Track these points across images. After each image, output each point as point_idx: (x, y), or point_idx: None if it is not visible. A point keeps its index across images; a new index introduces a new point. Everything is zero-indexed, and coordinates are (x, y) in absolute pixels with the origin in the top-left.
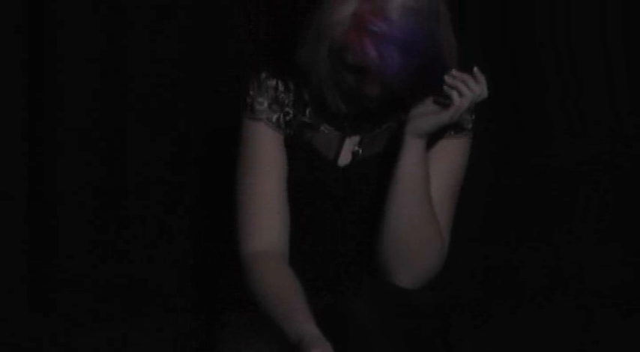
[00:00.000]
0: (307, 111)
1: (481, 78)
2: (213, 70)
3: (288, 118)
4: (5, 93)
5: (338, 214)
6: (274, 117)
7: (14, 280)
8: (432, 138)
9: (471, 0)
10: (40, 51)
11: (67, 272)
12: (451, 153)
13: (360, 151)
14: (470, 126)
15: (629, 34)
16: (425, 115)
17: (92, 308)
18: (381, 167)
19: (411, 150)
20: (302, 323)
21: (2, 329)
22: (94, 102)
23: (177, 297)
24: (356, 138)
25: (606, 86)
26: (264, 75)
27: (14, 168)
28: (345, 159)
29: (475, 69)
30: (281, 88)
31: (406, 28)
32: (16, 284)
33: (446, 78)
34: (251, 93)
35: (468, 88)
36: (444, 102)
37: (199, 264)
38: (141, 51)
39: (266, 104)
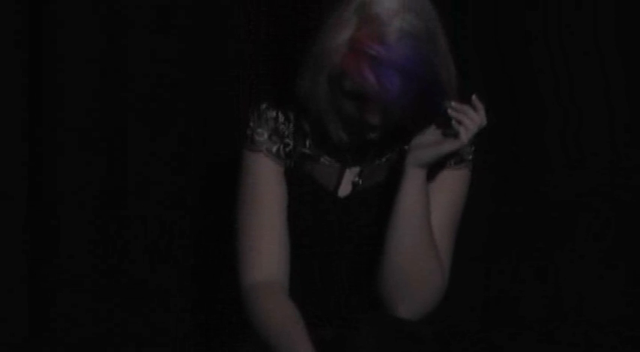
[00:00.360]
0: (307, 143)
1: (480, 106)
2: (213, 70)
3: (288, 149)
4: (5, 93)
5: (338, 245)
6: (274, 149)
7: (14, 280)
8: (433, 169)
9: (469, 30)
10: (40, 51)
11: (67, 272)
12: (451, 184)
13: (360, 182)
14: (470, 157)
15: (628, 66)
16: (425, 146)
17: (92, 308)
18: (381, 197)
19: (412, 181)
20: None
21: (2, 329)
22: (94, 102)
23: (177, 297)
24: (356, 169)
25: (605, 118)
26: (264, 106)
27: (14, 168)
28: (345, 190)
29: (474, 97)
30: (281, 118)
31: (403, 52)
32: (16, 284)
33: (448, 111)
34: (251, 124)
35: (470, 119)
36: (445, 132)
37: (199, 264)
38: (141, 51)
39: (266, 135)
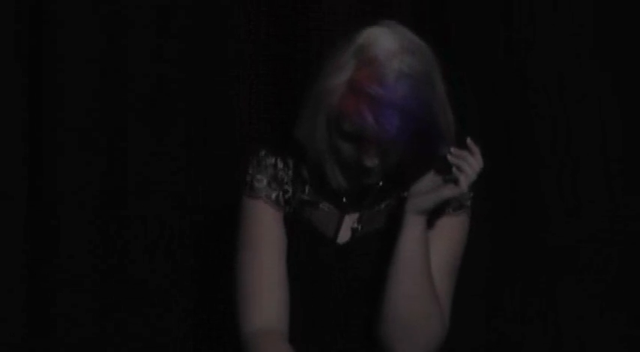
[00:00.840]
0: (306, 189)
1: (475, 149)
2: (213, 70)
3: (287, 196)
4: (5, 93)
5: (338, 291)
6: (273, 195)
7: (14, 280)
8: (432, 215)
9: (466, 76)
10: (40, 51)
11: (67, 272)
12: (451, 231)
13: (360, 228)
14: (468, 202)
15: (625, 113)
16: (425, 193)
17: (92, 308)
18: (380, 244)
19: (412, 228)
20: None
21: (2, 329)
22: (94, 102)
23: (177, 297)
24: (355, 216)
25: (602, 166)
26: (263, 152)
27: (14, 168)
28: (344, 236)
29: (469, 140)
30: (280, 165)
31: (402, 93)
32: (16, 284)
33: (448, 157)
34: (250, 171)
35: (469, 166)
36: (445, 178)
37: (199, 264)
38: (141, 51)
39: (265, 182)
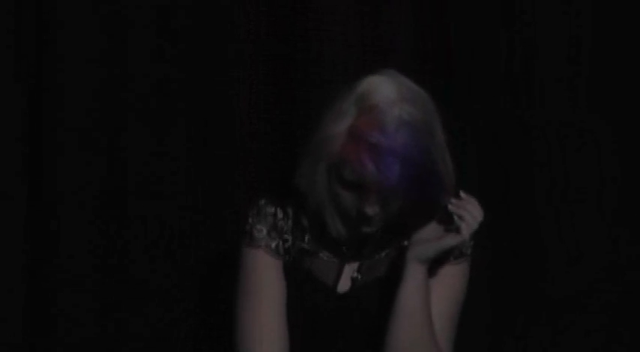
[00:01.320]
0: (306, 238)
1: (472, 200)
2: (213, 70)
3: (287, 245)
4: (5, 93)
5: (338, 341)
6: (273, 244)
7: (14, 280)
8: (432, 264)
9: (466, 126)
10: (40, 51)
11: (67, 272)
12: (451, 279)
13: (360, 277)
14: (469, 251)
15: (624, 163)
16: (426, 241)
17: (92, 308)
18: (381, 293)
19: (413, 276)
20: None
21: (2, 329)
22: (94, 102)
23: (178, 297)
24: (355, 265)
25: (601, 215)
26: (263, 202)
27: (14, 168)
28: (344, 285)
29: (462, 193)
30: (280, 214)
31: (403, 140)
32: (16, 284)
33: (449, 207)
34: (250, 220)
35: (470, 214)
36: (446, 227)
37: (199, 264)
38: (141, 51)
39: (265, 231)
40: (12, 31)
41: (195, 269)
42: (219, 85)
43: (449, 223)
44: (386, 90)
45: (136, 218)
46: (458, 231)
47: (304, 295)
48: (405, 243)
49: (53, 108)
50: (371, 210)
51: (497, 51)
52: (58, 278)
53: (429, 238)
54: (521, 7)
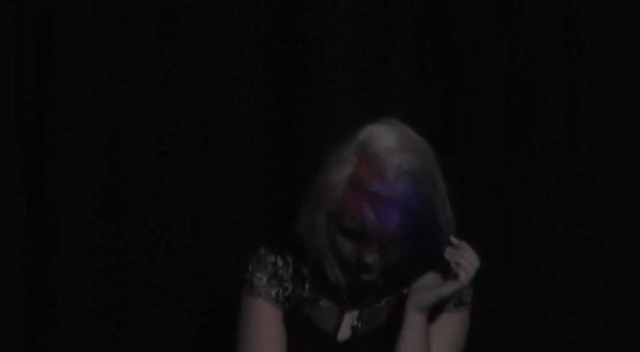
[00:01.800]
0: (306, 286)
1: (465, 245)
2: (213, 70)
3: (287, 293)
4: (5, 93)
5: None
6: (273, 293)
7: (14, 280)
8: (432, 312)
9: (466, 175)
10: (40, 51)
11: (67, 272)
12: (451, 327)
13: (360, 326)
14: (469, 299)
15: (624, 206)
16: (426, 289)
17: (93, 308)
18: (381, 341)
19: (413, 324)
20: None
21: (3, 329)
22: (94, 102)
23: (178, 297)
24: (355, 313)
25: (600, 263)
26: (263, 250)
27: (14, 168)
28: (344, 334)
29: (453, 239)
30: (280, 263)
31: (402, 189)
32: (16, 284)
33: (445, 255)
34: (250, 268)
35: (467, 260)
36: (444, 275)
37: (199, 264)
38: (141, 51)
39: (265, 279)
40: (12, 30)
41: (195, 269)
42: (219, 85)
43: (447, 271)
44: (386, 138)
45: (136, 218)
46: (456, 278)
47: (304, 343)
48: (405, 291)
49: (53, 108)
50: (370, 258)
51: (498, 51)
52: (58, 278)
53: (429, 286)
54: (520, 7)
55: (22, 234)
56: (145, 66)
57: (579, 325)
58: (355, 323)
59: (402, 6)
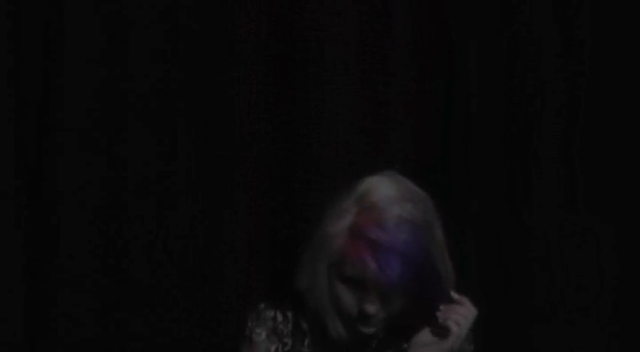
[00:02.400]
0: (306, 342)
1: (464, 300)
2: (213, 70)
3: (286, 349)
4: (6, 93)
5: None
6: (273, 349)
7: (14, 280)
8: None
9: (466, 227)
10: (40, 51)
11: (67, 272)
12: None
13: None
14: None
15: (623, 259)
16: (425, 344)
17: (92, 308)
18: None
19: None
20: None
21: (2, 329)
22: (94, 102)
23: (178, 297)
24: None
25: (600, 316)
26: (262, 305)
27: (15, 169)
28: None
29: (452, 293)
30: (279, 318)
31: (403, 237)
32: (16, 284)
33: (437, 314)
34: (249, 324)
35: (460, 314)
36: (444, 330)
37: (199, 264)
38: (141, 51)
39: (264, 335)
40: (12, 30)
41: (195, 269)
42: (219, 85)
43: (445, 325)
44: (386, 189)
45: (135, 218)
46: (453, 332)
47: None
48: (405, 345)
49: (54, 108)
50: (372, 308)
51: (497, 51)
52: (58, 278)
53: (428, 342)
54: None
55: (22, 234)
56: (146, 66)
57: None
58: None
59: (402, 6)
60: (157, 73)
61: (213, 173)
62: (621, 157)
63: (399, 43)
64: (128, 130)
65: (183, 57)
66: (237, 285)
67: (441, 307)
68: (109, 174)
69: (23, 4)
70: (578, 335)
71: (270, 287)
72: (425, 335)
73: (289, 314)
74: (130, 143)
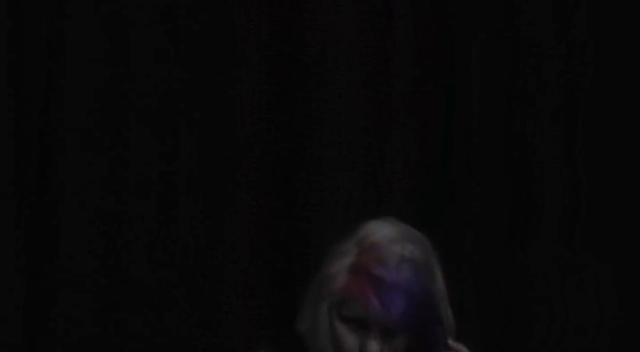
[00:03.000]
0: None
1: (462, 348)
2: (214, 70)
3: None
4: (6, 93)
5: None
6: None
7: (14, 280)
8: None
9: (463, 259)
10: (42, 51)
11: (67, 272)
12: None
13: None
14: None
15: (622, 299)
16: None
17: (92, 308)
18: None
19: None
20: None
21: (2, 329)
22: (95, 102)
23: (178, 297)
24: None
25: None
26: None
27: (15, 168)
28: None
29: (450, 342)
30: None
31: (405, 275)
32: (16, 284)
33: None
34: None
35: None
36: None
37: (200, 264)
38: (143, 51)
39: None
40: (14, 31)
41: (195, 269)
42: (220, 85)
43: None
44: (386, 230)
45: (136, 218)
46: None
47: None
48: None
49: (55, 108)
50: (374, 347)
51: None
52: (58, 278)
53: None
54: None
55: (22, 234)
56: (147, 66)
57: None
58: None
59: (403, 6)
60: (159, 73)
61: (214, 173)
62: (621, 201)
63: (401, 43)
64: (129, 130)
65: (185, 57)
66: (237, 285)
67: None
68: (110, 174)
69: (24, 3)
70: None
71: (270, 333)
72: None
73: None
74: (131, 143)
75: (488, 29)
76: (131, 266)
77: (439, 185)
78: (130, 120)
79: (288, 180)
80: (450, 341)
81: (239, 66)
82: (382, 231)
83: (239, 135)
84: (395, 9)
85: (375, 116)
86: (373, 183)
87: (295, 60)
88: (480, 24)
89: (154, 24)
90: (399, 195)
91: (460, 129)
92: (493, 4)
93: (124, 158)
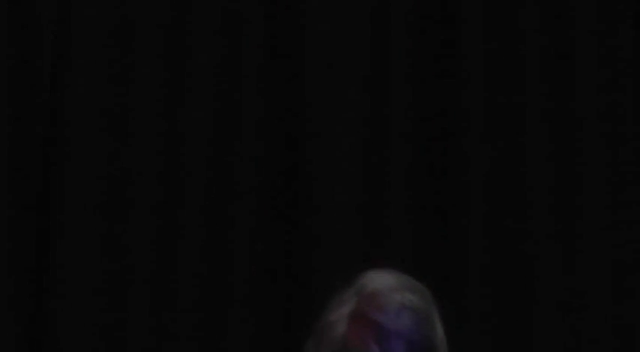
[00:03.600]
0: None
1: None
2: (214, 70)
3: None
4: (6, 92)
5: None
6: None
7: (14, 280)
8: None
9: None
10: (42, 51)
11: (67, 273)
12: None
13: None
14: None
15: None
16: None
17: (92, 308)
18: None
19: None
20: None
21: (2, 329)
22: (98, 102)
23: (179, 297)
24: None
25: None
26: None
27: (15, 169)
28: None
29: None
30: None
31: (405, 322)
32: (16, 284)
33: None
34: None
35: None
36: None
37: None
38: (145, 52)
39: None
40: (17, 35)
41: (196, 269)
42: (221, 84)
43: None
44: (385, 279)
45: (136, 217)
46: None
47: None
48: None
49: (55, 108)
50: None
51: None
52: (57, 278)
53: None
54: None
55: (22, 234)
56: (149, 66)
57: None
58: None
59: (403, 6)
60: (160, 73)
61: (214, 173)
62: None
63: (401, 42)
64: (129, 130)
65: (184, 57)
66: (237, 285)
67: None
68: (112, 174)
69: (23, 4)
70: None
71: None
72: None
73: None
74: (132, 143)
75: (490, 28)
76: (131, 266)
77: (438, 188)
78: (129, 120)
79: (288, 181)
80: None
81: (240, 66)
82: (382, 280)
83: (240, 135)
84: (394, 9)
85: (375, 116)
86: (373, 188)
87: (296, 60)
88: (481, 23)
89: (156, 24)
90: (398, 197)
91: (461, 130)
92: (495, 3)
93: (126, 158)
